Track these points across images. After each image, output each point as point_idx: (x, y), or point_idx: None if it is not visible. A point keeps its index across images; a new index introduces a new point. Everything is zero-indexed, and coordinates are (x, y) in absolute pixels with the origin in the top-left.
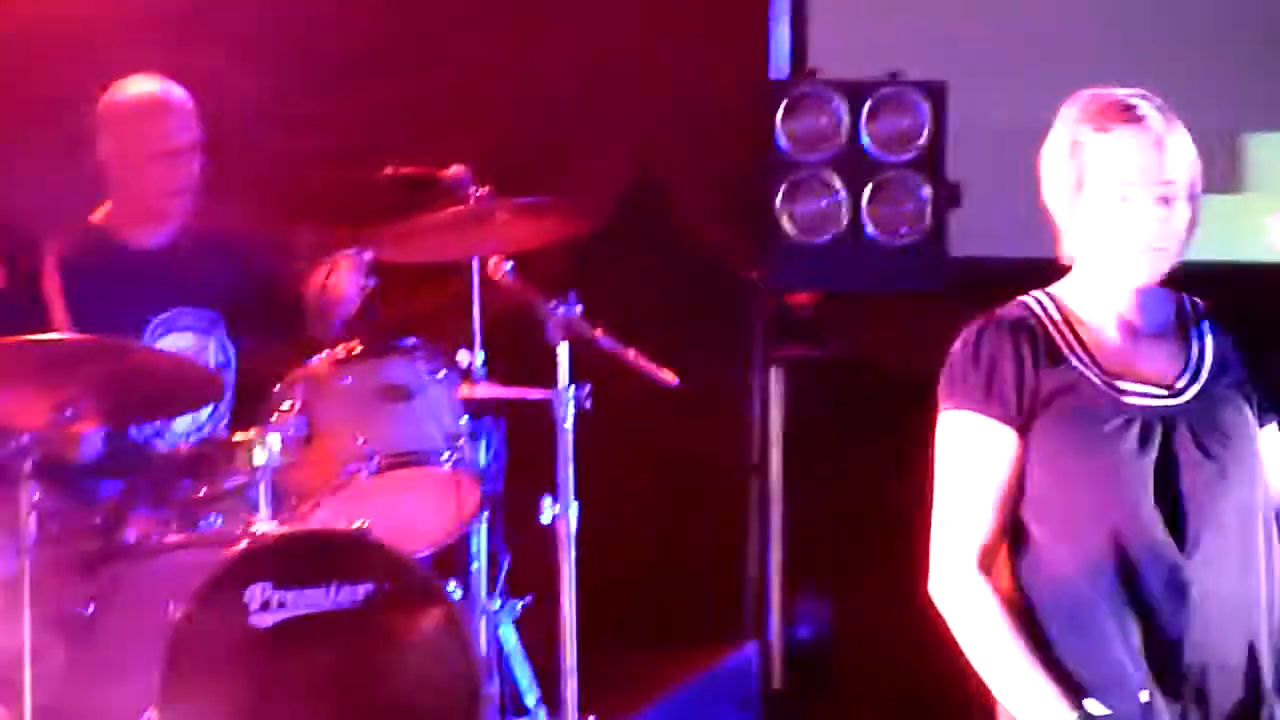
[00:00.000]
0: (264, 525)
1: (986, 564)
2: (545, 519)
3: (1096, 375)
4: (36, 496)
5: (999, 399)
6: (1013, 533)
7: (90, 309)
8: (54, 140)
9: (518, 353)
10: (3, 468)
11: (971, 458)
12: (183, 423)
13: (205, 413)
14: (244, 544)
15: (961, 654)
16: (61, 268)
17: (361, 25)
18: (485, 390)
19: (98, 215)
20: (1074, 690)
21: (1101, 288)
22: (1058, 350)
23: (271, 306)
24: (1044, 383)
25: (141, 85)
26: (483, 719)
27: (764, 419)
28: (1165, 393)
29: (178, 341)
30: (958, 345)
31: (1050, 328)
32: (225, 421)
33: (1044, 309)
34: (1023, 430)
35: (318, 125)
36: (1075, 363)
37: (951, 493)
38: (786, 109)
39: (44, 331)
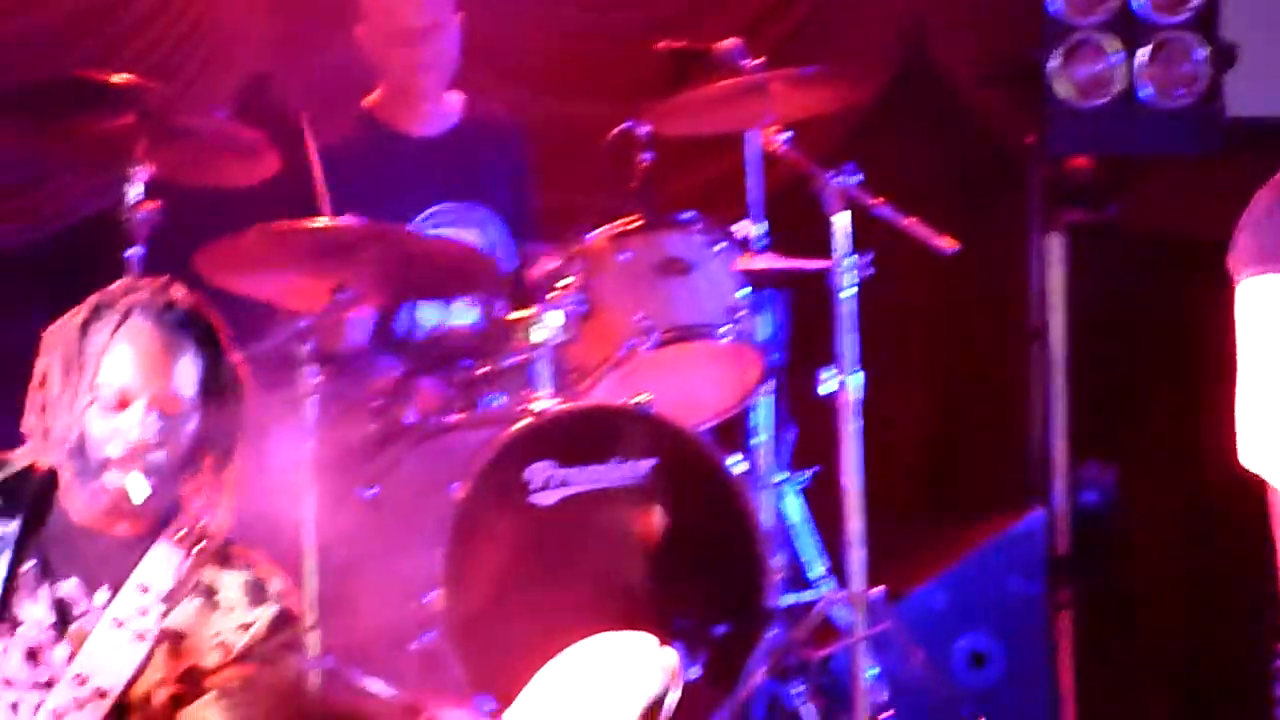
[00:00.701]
0: (544, 403)
1: None
2: (827, 390)
3: None
4: (317, 380)
5: None
6: None
7: (359, 196)
8: (326, 21)
9: (796, 224)
10: (282, 353)
11: None
12: (460, 305)
13: (483, 297)
14: (525, 422)
15: (1249, 519)
16: (331, 154)
17: None
18: (764, 262)
19: (369, 100)
20: None
21: None
22: None
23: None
24: None
25: None
26: (769, 592)
27: (1044, 285)
28: None
29: (449, 235)
30: (1260, 208)
31: None
32: (502, 305)
33: None
34: None
35: (591, 4)
36: None
37: (1270, 361)
38: None
39: (317, 216)
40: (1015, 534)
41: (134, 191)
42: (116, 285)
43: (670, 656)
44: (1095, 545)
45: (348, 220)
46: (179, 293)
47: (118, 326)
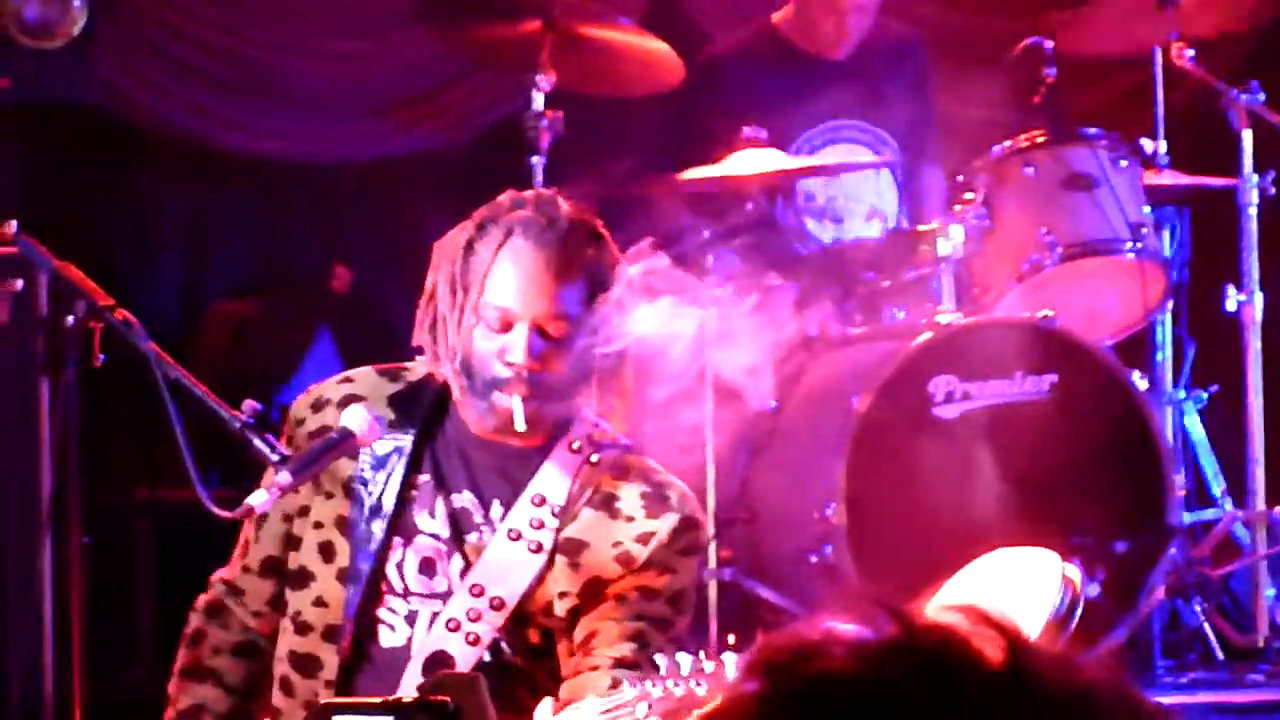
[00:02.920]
0: (947, 316)
1: None
2: (1230, 307)
3: None
4: (721, 288)
5: None
6: None
7: (758, 107)
8: None
9: (1201, 141)
10: (681, 255)
11: None
12: (861, 219)
13: (889, 210)
14: (927, 335)
15: None
16: (728, 64)
17: None
18: (1169, 178)
19: (777, 16)
20: None
21: None
22: None
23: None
24: None
25: None
26: (1170, 510)
27: None
28: None
29: (843, 153)
30: None
31: None
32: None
33: None
34: None
35: None
36: None
37: None
38: None
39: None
40: None
41: (538, 99)
42: (503, 199)
43: (1073, 572)
44: None
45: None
46: (563, 208)
47: (500, 245)
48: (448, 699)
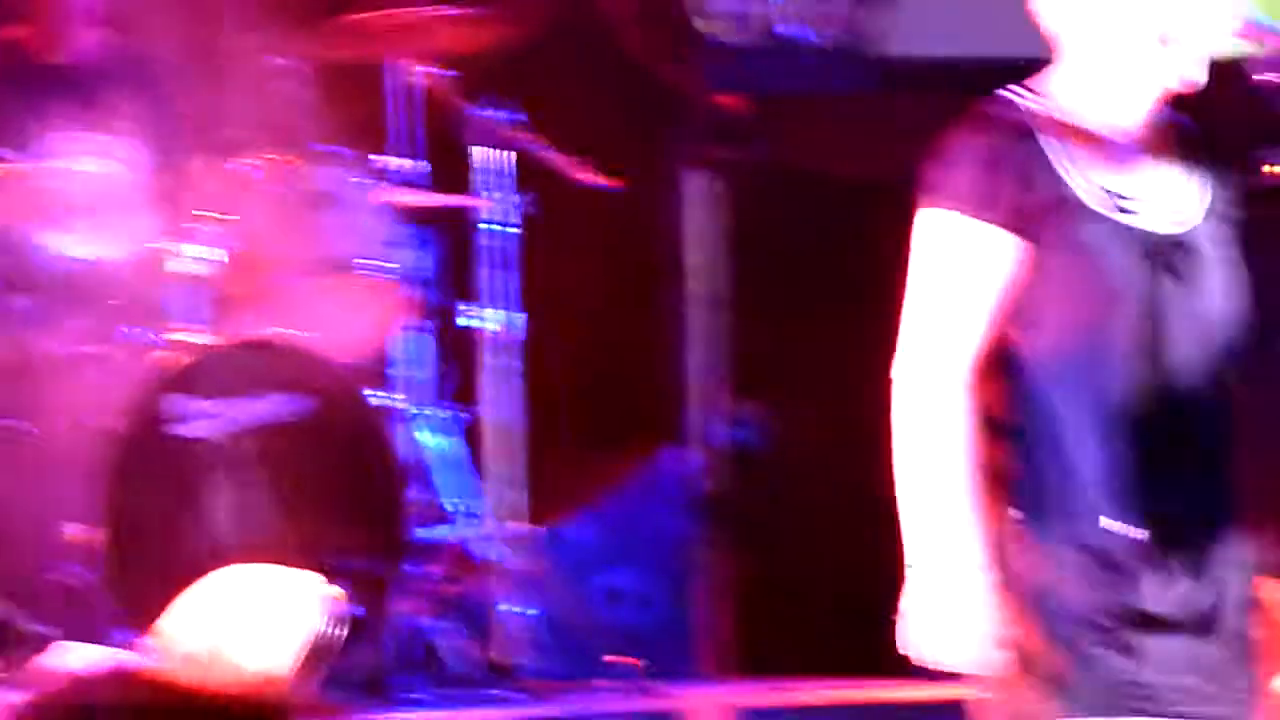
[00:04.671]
0: (190, 335)
1: (969, 377)
2: (480, 325)
3: (1095, 192)
4: None
5: (990, 204)
6: (994, 349)
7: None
8: None
9: (453, 160)
10: None
11: (952, 263)
12: (96, 236)
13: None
14: (168, 354)
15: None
16: None
17: None
18: (420, 198)
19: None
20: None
21: (1108, 88)
22: (1054, 161)
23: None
24: (1038, 195)
25: None
26: (415, 527)
27: (694, 224)
28: (1163, 213)
29: (80, 161)
30: (951, 142)
31: (1048, 134)
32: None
33: (1040, 111)
34: (1012, 241)
35: None
36: (1075, 177)
37: (926, 298)
38: None
39: None
40: (665, 471)
41: None
42: None
43: (327, 591)
44: (744, 483)
45: None
46: None
47: None
48: None
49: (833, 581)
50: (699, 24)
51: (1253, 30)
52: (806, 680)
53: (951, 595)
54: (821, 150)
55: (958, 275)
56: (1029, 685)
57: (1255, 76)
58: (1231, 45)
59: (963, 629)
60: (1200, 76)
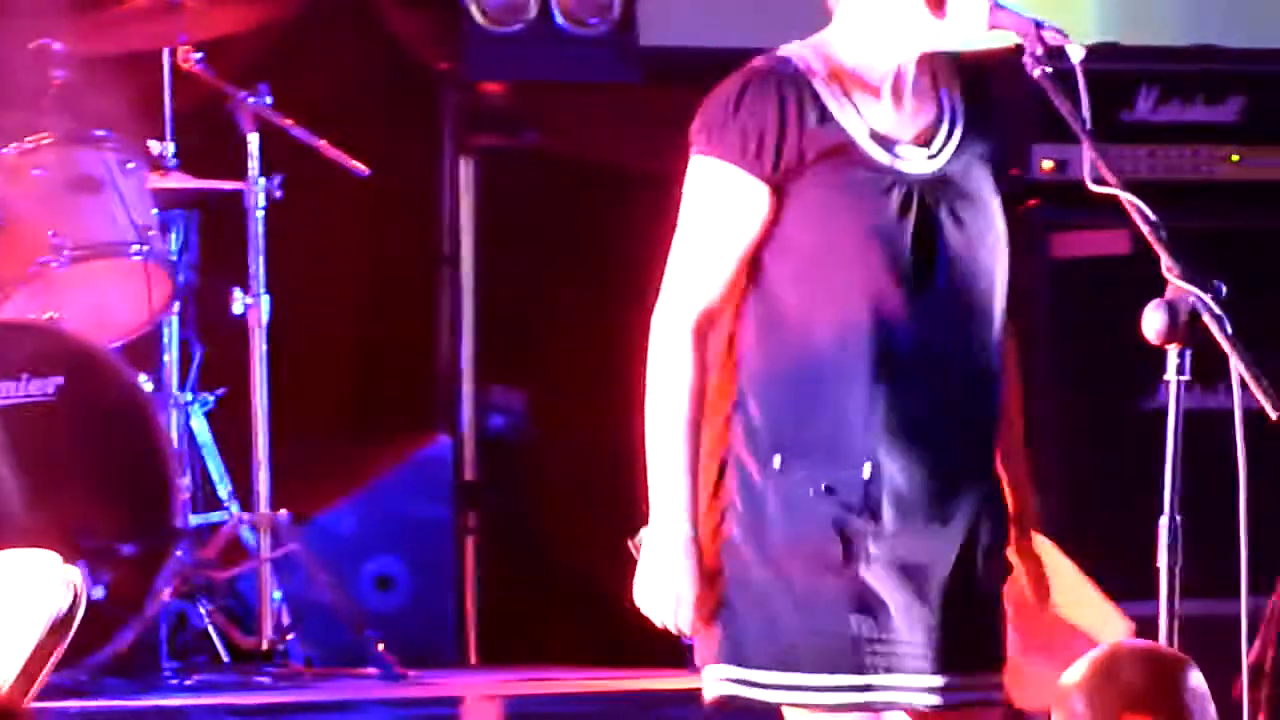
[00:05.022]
0: None
1: (707, 324)
2: (237, 310)
3: (863, 136)
4: None
5: (757, 153)
6: (756, 295)
7: None
8: None
9: (209, 144)
10: None
11: (717, 211)
12: None
13: None
14: None
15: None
16: None
17: None
18: (176, 181)
19: None
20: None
21: (878, 39)
22: (825, 107)
23: None
24: (809, 141)
25: None
26: (175, 513)
27: (455, 210)
28: (925, 155)
29: None
30: (718, 92)
31: (818, 82)
32: None
33: (811, 64)
34: (778, 189)
35: None
36: (843, 122)
37: (689, 244)
38: None
39: None
40: (423, 459)
41: None
42: None
43: (74, 574)
44: (502, 470)
45: None
46: None
47: None
48: None
49: (587, 567)
50: (471, 11)
51: (1000, 18)
52: (562, 669)
53: (662, 552)
54: (584, 138)
55: (720, 224)
56: (757, 641)
57: (1032, 73)
58: (982, 32)
59: (669, 586)
60: (968, 37)
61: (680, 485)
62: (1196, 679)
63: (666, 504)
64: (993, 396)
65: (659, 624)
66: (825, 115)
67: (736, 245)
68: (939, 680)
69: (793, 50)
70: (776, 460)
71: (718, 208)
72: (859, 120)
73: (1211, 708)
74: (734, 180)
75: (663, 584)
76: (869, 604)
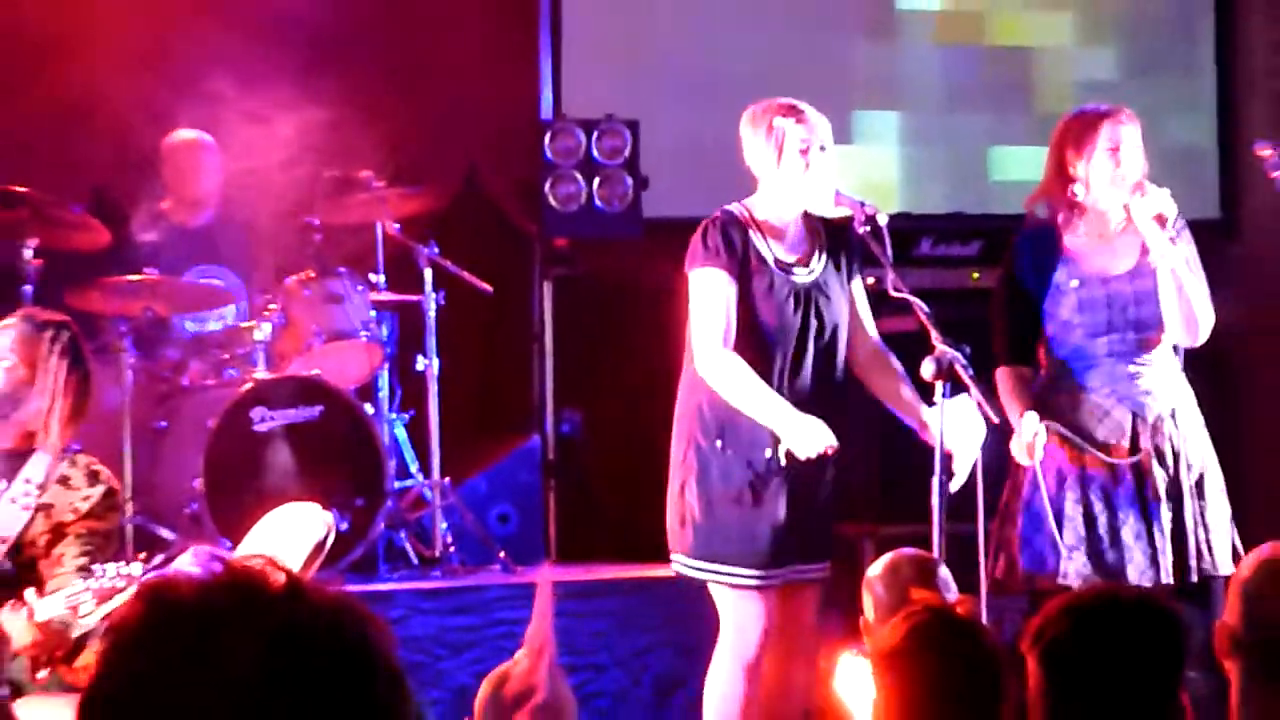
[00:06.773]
0: (261, 373)
1: (728, 348)
2: (419, 367)
3: (772, 258)
4: (132, 359)
5: (726, 260)
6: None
7: (158, 259)
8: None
9: (403, 274)
10: (108, 343)
11: (714, 292)
12: (213, 316)
13: (227, 313)
14: (248, 385)
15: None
16: (143, 235)
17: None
18: (385, 296)
19: (163, 204)
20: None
21: (780, 205)
22: (751, 240)
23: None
24: (750, 257)
25: None
26: (385, 479)
27: (541, 310)
28: (806, 270)
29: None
30: (697, 235)
31: (750, 226)
32: (240, 316)
33: (746, 215)
34: (738, 281)
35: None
36: (763, 251)
37: (706, 311)
38: (551, 135)
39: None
40: (525, 449)
41: (27, 253)
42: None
43: (328, 516)
44: (569, 457)
45: (150, 273)
46: (45, 314)
47: None
48: None
49: (622, 511)
50: (549, 199)
51: (841, 199)
52: (605, 565)
53: (797, 420)
54: (612, 269)
55: (717, 298)
56: (698, 545)
57: (856, 227)
58: (832, 206)
59: (811, 429)
60: (826, 208)
61: (776, 401)
62: (945, 571)
63: (777, 410)
64: (842, 398)
65: (819, 453)
66: (752, 246)
67: (727, 308)
68: (804, 566)
69: (734, 207)
70: (719, 444)
71: (714, 291)
72: (769, 249)
73: (954, 587)
74: (717, 275)
75: (808, 431)
76: (767, 527)
